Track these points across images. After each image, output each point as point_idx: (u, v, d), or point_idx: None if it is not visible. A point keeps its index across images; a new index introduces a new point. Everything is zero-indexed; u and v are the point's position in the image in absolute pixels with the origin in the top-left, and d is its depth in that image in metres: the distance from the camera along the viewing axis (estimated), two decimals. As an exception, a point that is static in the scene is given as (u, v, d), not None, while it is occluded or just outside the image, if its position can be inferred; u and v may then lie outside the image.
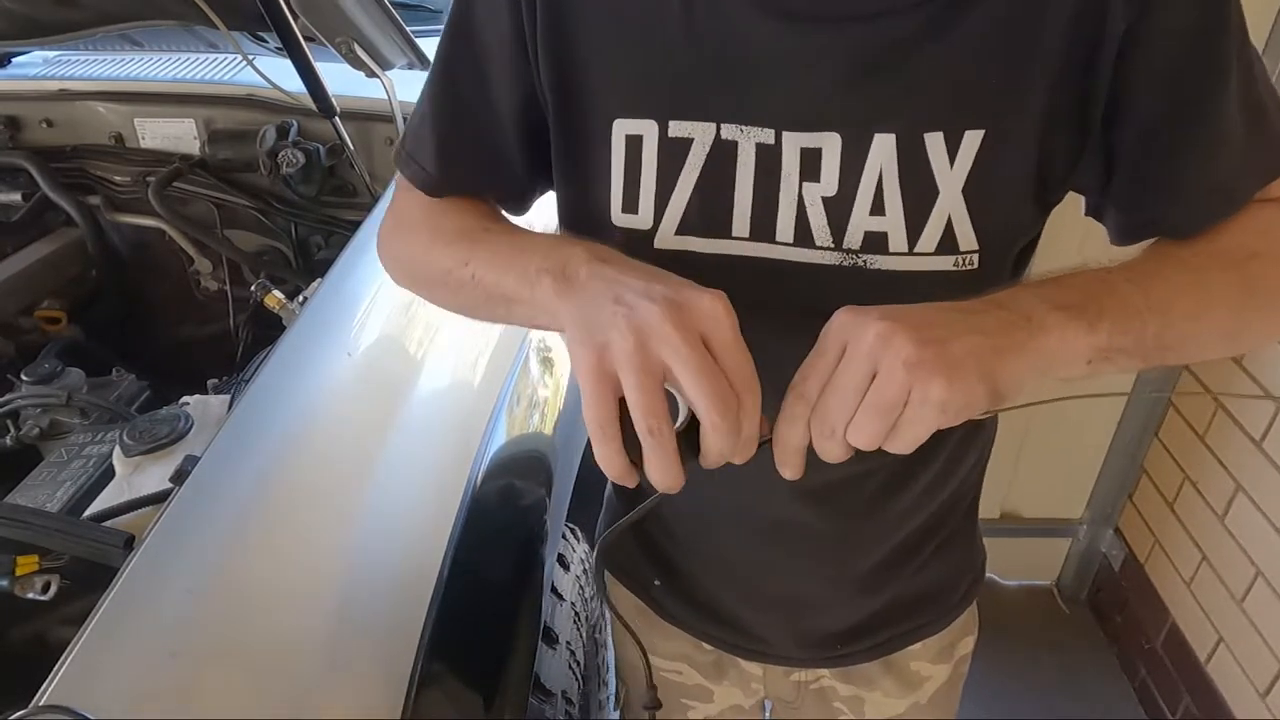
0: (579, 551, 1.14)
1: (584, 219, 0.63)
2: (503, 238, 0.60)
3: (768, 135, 0.57)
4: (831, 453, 0.48)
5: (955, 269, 0.57)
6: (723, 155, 0.58)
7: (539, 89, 0.61)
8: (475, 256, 0.59)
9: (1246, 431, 1.58)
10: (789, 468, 0.50)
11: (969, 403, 0.45)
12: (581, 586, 1.12)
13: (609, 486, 0.89)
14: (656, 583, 0.83)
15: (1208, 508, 1.69)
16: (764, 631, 0.82)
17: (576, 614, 1.08)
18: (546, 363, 1.11)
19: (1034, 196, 0.59)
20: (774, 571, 0.77)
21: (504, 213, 0.69)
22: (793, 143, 0.57)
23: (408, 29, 1.36)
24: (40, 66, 1.60)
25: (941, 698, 0.89)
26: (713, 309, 0.46)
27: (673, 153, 0.58)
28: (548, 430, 1.06)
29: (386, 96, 1.33)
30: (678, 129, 0.58)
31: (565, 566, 1.09)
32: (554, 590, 1.03)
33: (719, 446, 0.46)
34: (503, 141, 0.64)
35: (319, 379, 0.87)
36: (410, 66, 1.42)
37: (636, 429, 0.45)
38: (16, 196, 1.52)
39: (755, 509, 0.73)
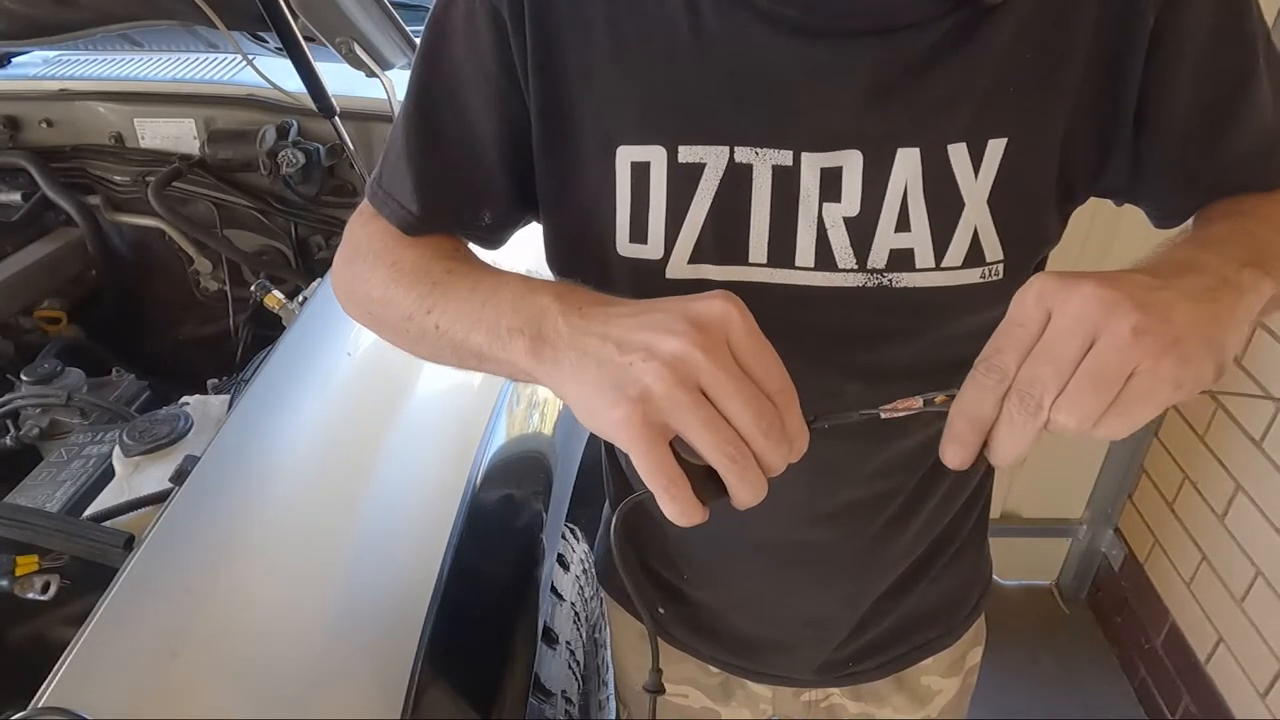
0: (579, 551, 1.14)
1: (582, 250, 0.60)
2: (466, 281, 0.54)
3: (785, 157, 0.55)
4: (1021, 439, 0.42)
5: (982, 280, 0.56)
6: (737, 179, 0.55)
7: (532, 119, 0.58)
8: (438, 304, 0.54)
9: (1246, 431, 1.58)
10: (962, 448, 0.44)
11: (1200, 378, 0.41)
12: (581, 586, 1.12)
13: (606, 509, 0.88)
14: (661, 610, 0.82)
15: (1207, 508, 1.69)
16: (775, 654, 0.81)
17: (576, 614, 1.08)
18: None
19: (1057, 202, 0.58)
20: (788, 595, 0.76)
21: (476, 247, 0.65)
22: (812, 163, 0.55)
23: (408, 29, 1.36)
24: (40, 66, 1.60)
25: (951, 710, 0.88)
26: (725, 314, 0.43)
27: (684, 179, 0.56)
28: (548, 430, 1.06)
29: (386, 96, 1.33)
30: (688, 154, 0.55)
31: (565, 566, 1.09)
32: (554, 590, 1.03)
33: (773, 461, 0.43)
34: (487, 176, 0.61)
35: (319, 379, 0.87)
36: (410, 66, 1.42)
37: (714, 464, 0.42)
38: (16, 196, 1.52)
39: (772, 534, 0.71)
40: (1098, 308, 0.40)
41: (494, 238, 0.65)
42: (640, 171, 0.56)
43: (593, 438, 1.26)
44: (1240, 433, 1.59)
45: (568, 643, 1.01)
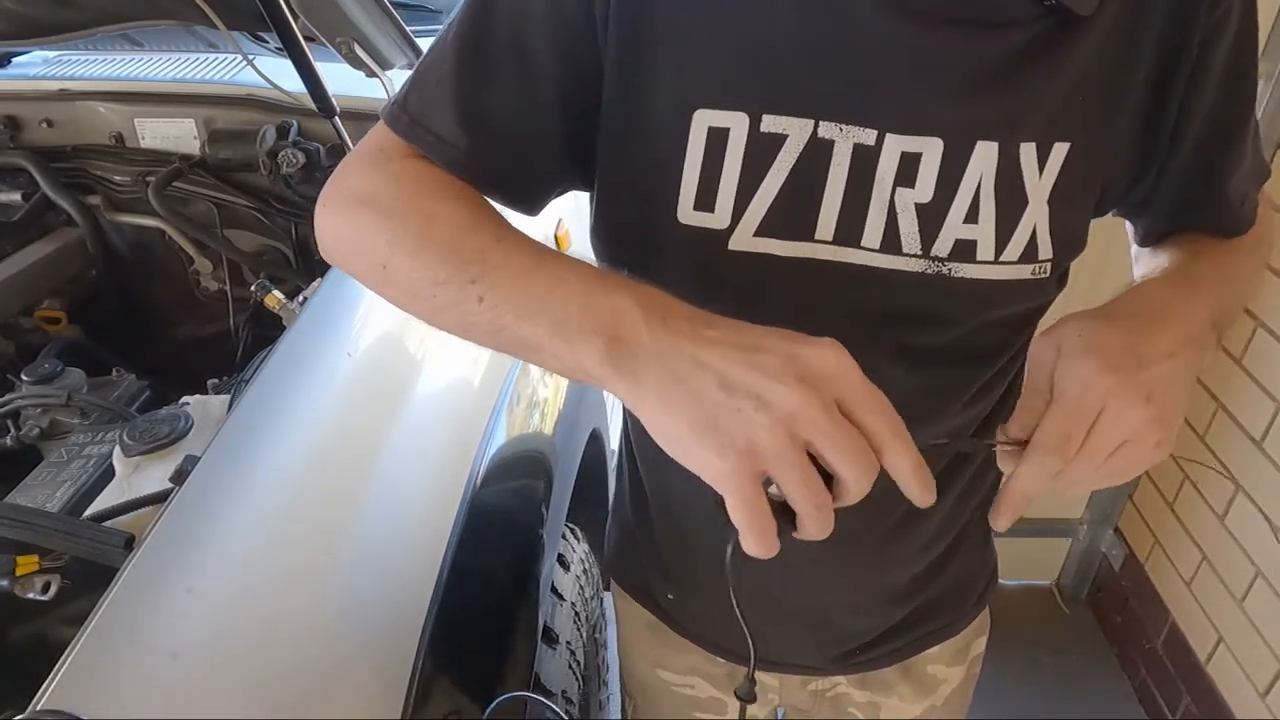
0: (579, 551, 1.14)
1: (636, 215, 0.59)
2: (521, 256, 0.49)
3: (869, 136, 0.55)
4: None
5: (1031, 277, 0.58)
6: (816, 154, 0.55)
7: (605, 69, 0.56)
8: (486, 275, 0.49)
9: (1246, 431, 1.58)
10: (1014, 515, 0.54)
11: (1173, 442, 0.51)
12: (581, 586, 1.12)
13: (613, 500, 0.87)
14: (670, 596, 0.82)
15: (1208, 508, 1.69)
16: (784, 643, 0.81)
17: (576, 614, 1.08)
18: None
19: (1095, 208, 0.61)
20: (802, 585, 0.76)
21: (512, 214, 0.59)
22: (894, 145, 0.55)
23: (408, 29, 1.36)
24: (40, 66, 1.60)
25: (955, 699, 0.89)
26: (839, 366, 0.43)
27: (763, 149, 0.55)
28: (548, 430, 1.06)
29: (386, 96, 1.33)
30: (772, 124, 0.54)
31: (565, 566, 1.09)
32: (554, 590, 1.03)
33: (854, 495, 0.46)
34: (544, 121, 0.57)
35: (319, 379, 0.87)
36: (410, 66, 1.42)
37: (801, 511, 0.44)
38: (16, 196, 1.52)
39: None
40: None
41: (535, 196, 0.61)
42: (717, 137, 0.55)
43: (593, 438, 1.27)
44: (1240, 433, 1.59)
45: (568, 643, 1.01)
